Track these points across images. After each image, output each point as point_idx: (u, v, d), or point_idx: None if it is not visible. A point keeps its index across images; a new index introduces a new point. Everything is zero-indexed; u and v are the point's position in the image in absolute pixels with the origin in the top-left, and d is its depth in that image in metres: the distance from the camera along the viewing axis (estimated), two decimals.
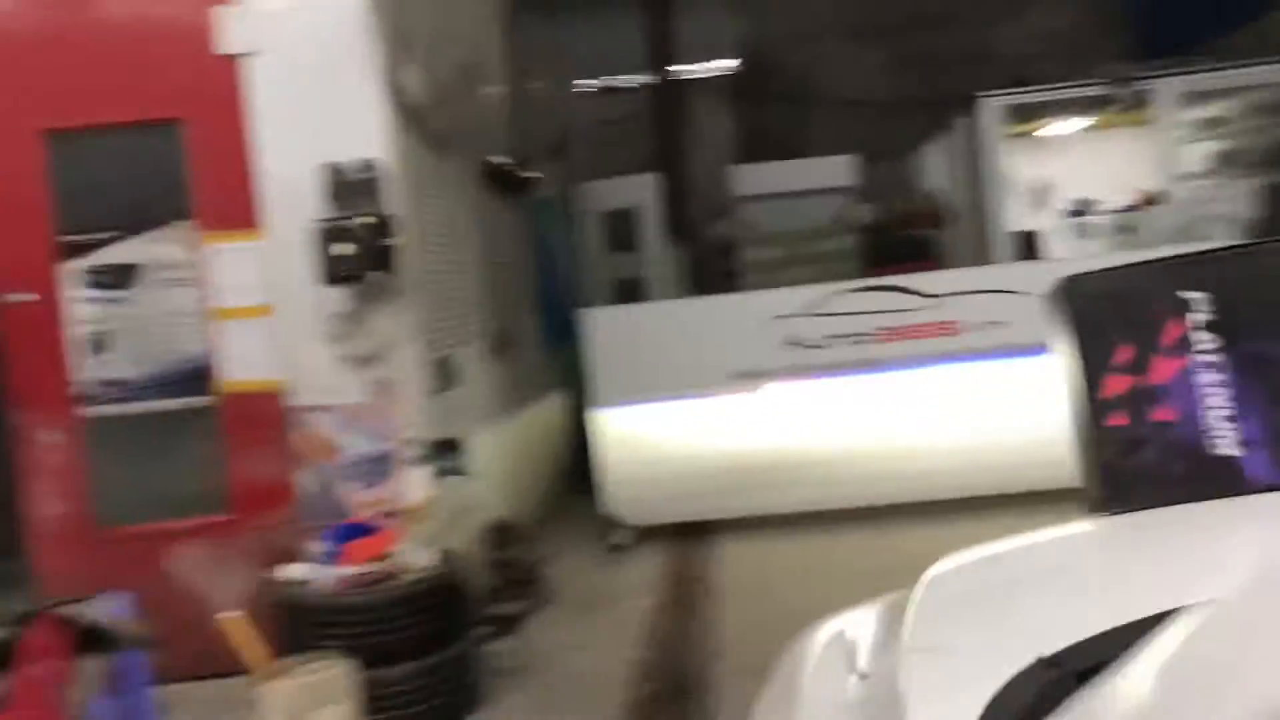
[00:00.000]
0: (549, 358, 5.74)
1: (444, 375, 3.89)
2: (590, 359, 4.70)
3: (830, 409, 4.70)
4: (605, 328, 4.76)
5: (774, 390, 4.65)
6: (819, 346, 4.62)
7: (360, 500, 3.48)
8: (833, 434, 4.68)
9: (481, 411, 4.43)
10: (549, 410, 5.80)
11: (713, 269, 7.04)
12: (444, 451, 3.64)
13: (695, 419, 4.75)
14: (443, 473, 3.62)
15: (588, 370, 4.70)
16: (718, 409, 4.71)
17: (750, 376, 4.65)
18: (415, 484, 3.50)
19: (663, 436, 4.75)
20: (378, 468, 3.50)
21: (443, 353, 3.92)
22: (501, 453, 4.60)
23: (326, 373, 3.47)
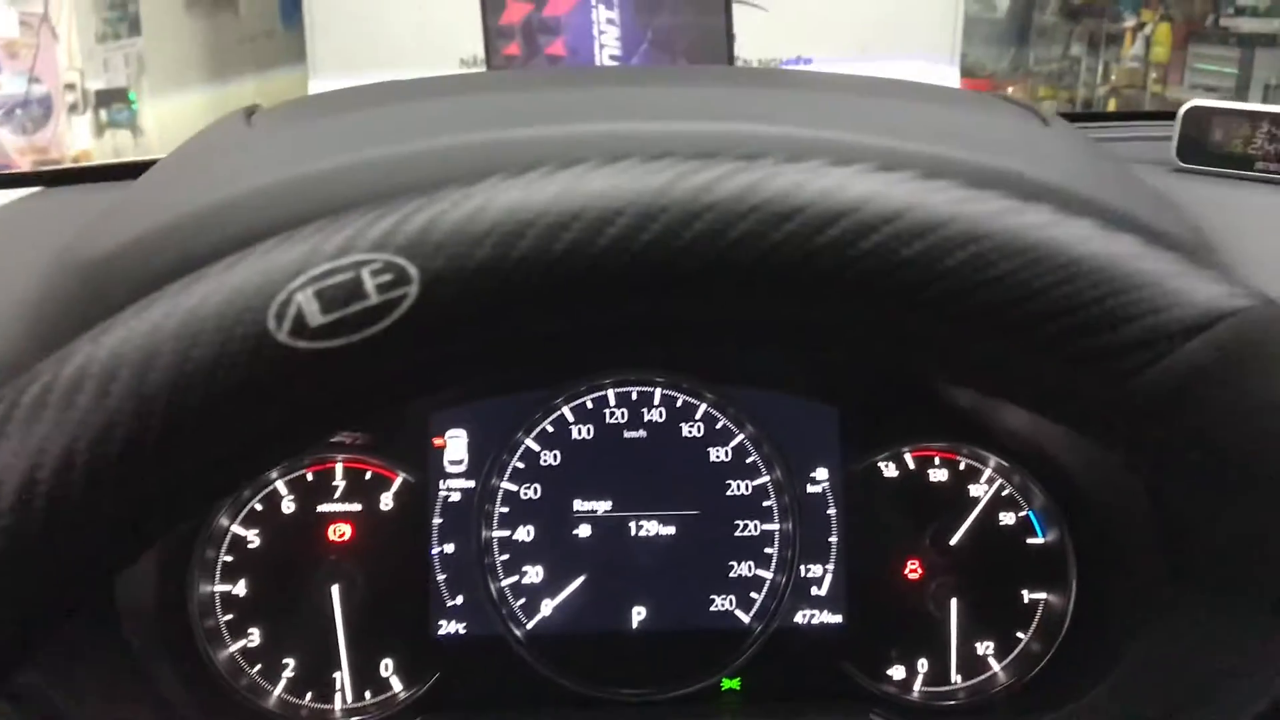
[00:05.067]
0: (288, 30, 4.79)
1: (121, 21, 3.67)
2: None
3: None
4: None
5: None
6: None
7: (16, 147, 3.21)
8: None
9: (175, 71, 3.99)
10: (274, 87, 4.80)
11: None
12: (110, 102, 3.45)
13: None
14: (110, 125, 3.40)
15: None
16: None
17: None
18: (77, 133, 3.30)
19: None
20: (34, 112, 3.27)
21: None
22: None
23: None
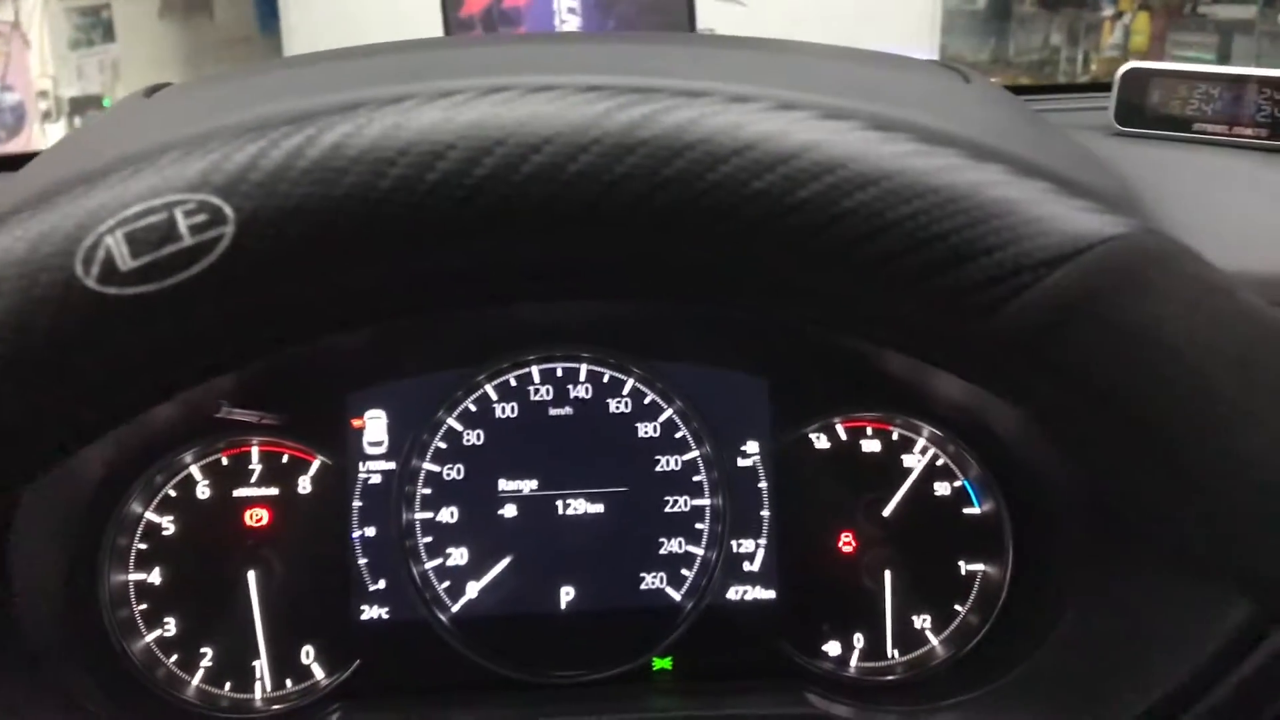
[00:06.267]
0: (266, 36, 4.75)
1: (94, 27, 3.66)
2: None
3: None
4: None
5: None
6: None
7: None
8: None
9: (151, 77, 4.02)
10: None
11: None
12: (85, 109, 3.45)
13: None
14: None
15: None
16: None
17: None
18: (51, 141, 3.33)
19: None
20: (7, 120, 3.29)
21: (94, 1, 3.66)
22: None
23: None
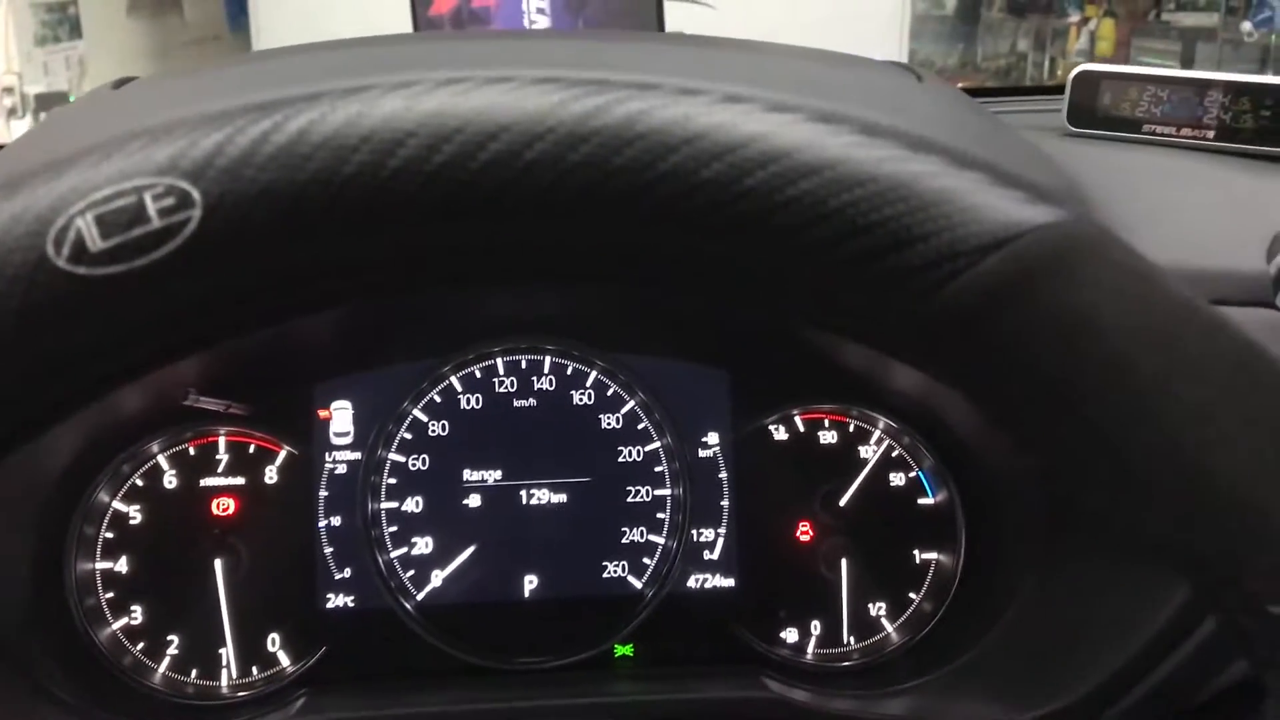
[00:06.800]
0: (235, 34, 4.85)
1: (61, 24, 3.67)
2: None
3: None
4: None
5: None
6: None
7: None
8: None
9: (118, 74, 3.97)
10: None
11: None
12: (51, 105, 3.41)
13: None
14: None
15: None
16: None
17: None
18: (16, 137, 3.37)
19: None
20: None
21: None
22: None
23: None
